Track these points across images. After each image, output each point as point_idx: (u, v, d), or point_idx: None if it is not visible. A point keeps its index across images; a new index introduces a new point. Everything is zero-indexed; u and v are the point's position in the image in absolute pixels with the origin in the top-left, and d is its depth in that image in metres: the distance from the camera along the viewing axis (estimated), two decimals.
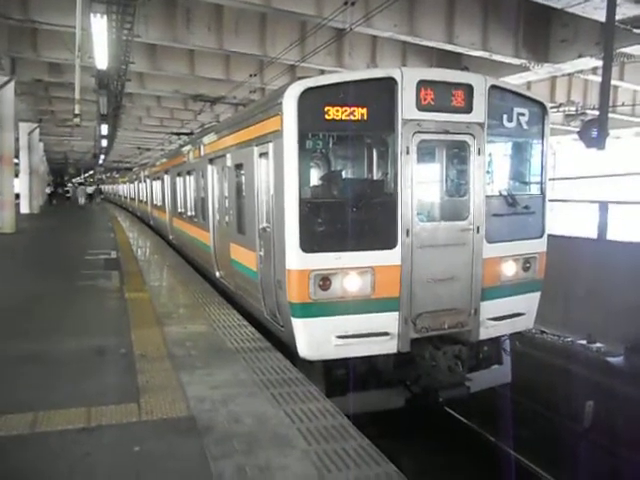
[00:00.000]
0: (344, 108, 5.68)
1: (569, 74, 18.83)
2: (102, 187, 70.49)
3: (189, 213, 13.12)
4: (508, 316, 6.62)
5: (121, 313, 7.89)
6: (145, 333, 6.84)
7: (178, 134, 21.84)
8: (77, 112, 15.11)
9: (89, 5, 10.65)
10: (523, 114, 6.62)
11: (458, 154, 6.67)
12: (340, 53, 17.14)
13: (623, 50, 14.25)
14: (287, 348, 6.29)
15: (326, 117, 5.66)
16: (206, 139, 10.84)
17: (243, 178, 7.99)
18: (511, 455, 6.92)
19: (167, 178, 16.93)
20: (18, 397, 4.91)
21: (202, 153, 11.02)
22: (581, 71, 17.44)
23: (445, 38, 14.92)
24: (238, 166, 8.25)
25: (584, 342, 9.72)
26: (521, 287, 6.75)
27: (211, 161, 10.18)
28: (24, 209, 31.33)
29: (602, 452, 7.14)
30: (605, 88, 8.88)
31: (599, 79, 12.21)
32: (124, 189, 41.62)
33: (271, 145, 6.35)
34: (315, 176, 6.58)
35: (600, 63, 12.46)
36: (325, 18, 12.94)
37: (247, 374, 5.45)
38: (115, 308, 8.24)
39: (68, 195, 59.90)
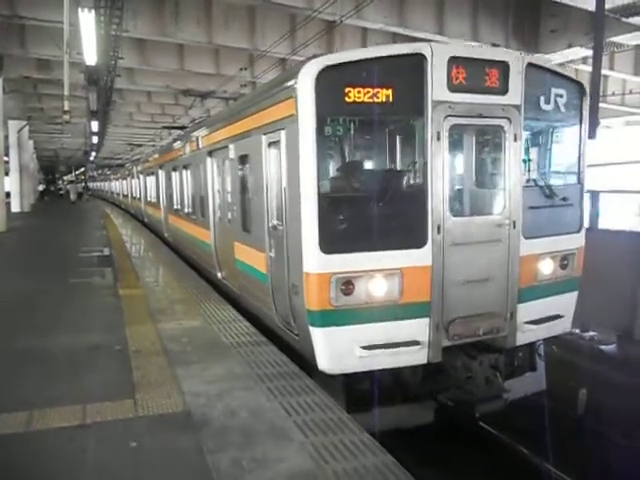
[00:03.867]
0: (367, 89, 5.04)
1: (560, 64, 18.83)
2: (93, 184, 74.69)
3: (186, 210, 12.56)
4: (545, 319, 6.05)
5: (115, 310, 7.85)
6: (140, 329, 6.83)
7: (170, 128, 21.52)
8: (66, 109, 15.04)
9: (77, 0, 10.55)
10: (561, 95, 6.02)
11: (492, 140, 6.09)
12: (330, 45, 17.07)
13: (613, 39, 14.30)
14: (302, 359, 5.70)
15: (346, 99, 5.01)
16: (204, 130, 10.30)
17: (248, 171, 7.38)
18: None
19: (161, 173, 16.51)
20: (12, 395, 4.89)
21: (200, 145, 10.48)
22: (571, 61, 17.49)
23: (435, 29, 14.93)
24: (242, 158, 7.60)
25: (577, 331, 9.78)
26: (558, 287, 6.19)
27: (210, 154, 9.60)
28: (15, 208, 31.15)
29: (595, 437, 7.20)
30: (595, 77, 8.93)
31: (589, 69, 12.27)
32: (116, 186, 41.34)
33: (283, 133, 5.73)
34: (335, 167, 5.86)
35: (590, 53, 12.51)
36: (315, 10, 12.91)
37: (242, 368, 5.45)
38: (109, 305, 8.21)
39: (61, 193, 63.27)
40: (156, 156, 18.88)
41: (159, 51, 18.63)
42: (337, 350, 5.21)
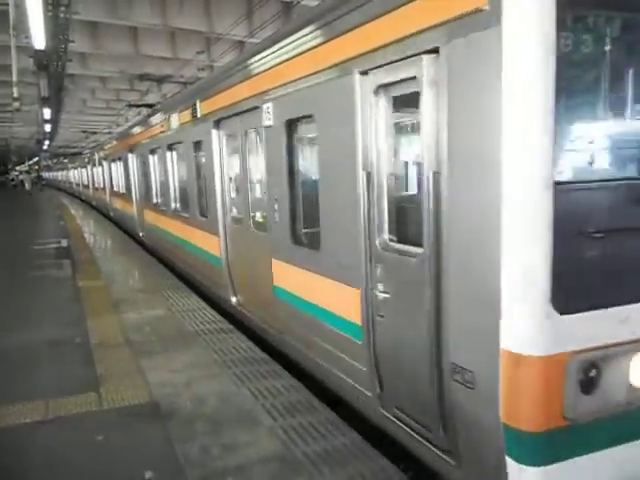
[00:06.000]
0: None
1: None
2: (48, 174, 73.23)
3: (173, 205, 9.72)
4: None
5: (74, 302, 7.68)
6: (101, 321, 6.70)
7: (137, 106, 20.23)
8: (16, 96, 14.46)
9: None
10: None
11: None
12: None
13: None
14: None
15: None
16: (208, 90, 7.25)
17: (309, 144, 4.89)
18: None
19: (132, 158, 13.58)
20: None
21: (199, 114, 7.59)
22: None
23: None
24: (293, 123, 4.84)
25: None
26: None
27: (218, 124, 6.83)
28: None
29: None
30: None
31: None
32: (75, 175, 39.86)
33: (429, 60, 2.97)
34: (579, 126, 2.89)
35: None
36: None
37: (208, 355, 5.42)
38: (68, 297, 8.02)
39: (14, 183, 60.98)
40: (122, 139, 15.83)
41: (112, 35, 18.11)
42: None
